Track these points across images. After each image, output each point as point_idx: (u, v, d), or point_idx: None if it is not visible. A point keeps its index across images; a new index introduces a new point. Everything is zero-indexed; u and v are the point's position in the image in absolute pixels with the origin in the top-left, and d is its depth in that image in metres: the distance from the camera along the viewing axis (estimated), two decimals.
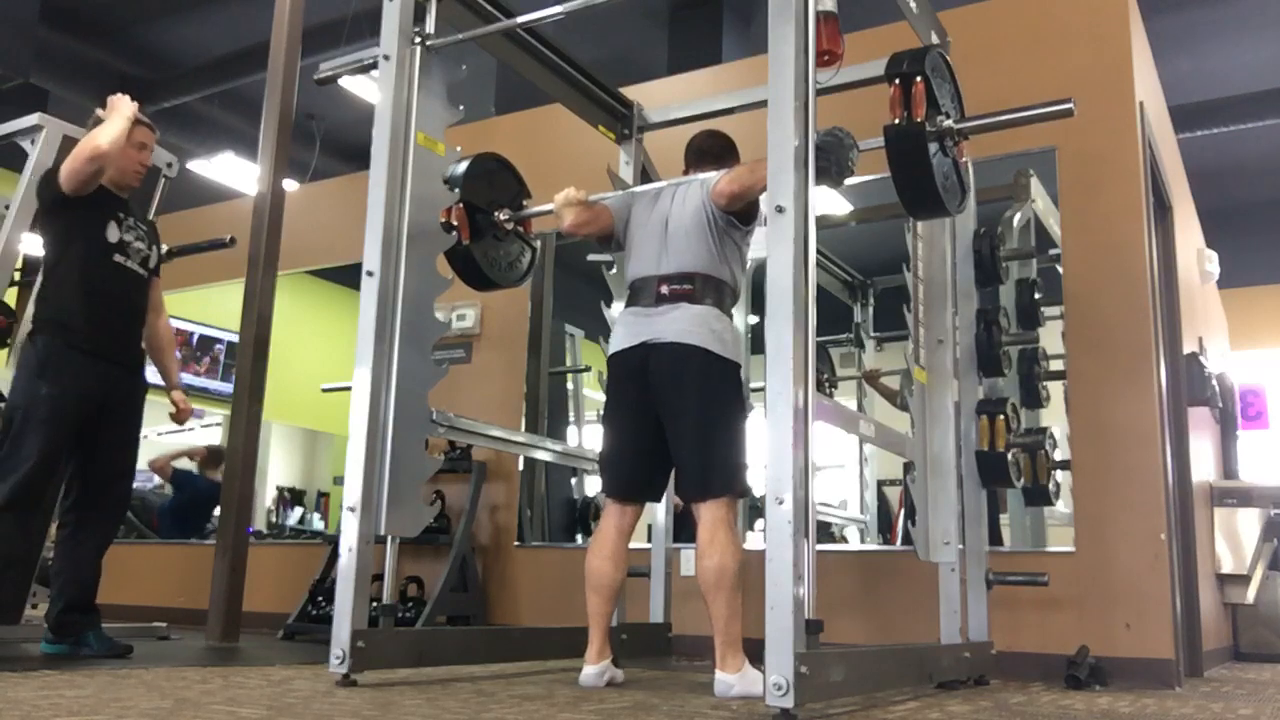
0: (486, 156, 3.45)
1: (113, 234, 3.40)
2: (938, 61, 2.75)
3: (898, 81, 2.62)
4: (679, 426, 2.85)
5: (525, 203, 3.56)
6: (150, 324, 3.61)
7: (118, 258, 3.41)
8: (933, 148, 2.65)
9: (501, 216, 3.41)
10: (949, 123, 2.74)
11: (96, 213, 3.38)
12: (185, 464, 6.89)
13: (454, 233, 3.22)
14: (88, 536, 3.35)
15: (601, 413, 3.13)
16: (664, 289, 2.93)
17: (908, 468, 3.21)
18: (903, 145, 2.62)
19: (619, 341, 2.99)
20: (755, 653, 2.23)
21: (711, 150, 3.21)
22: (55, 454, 3.21)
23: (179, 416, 3.65)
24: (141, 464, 6.87)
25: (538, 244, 3.68)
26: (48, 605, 3.35)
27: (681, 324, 2.87)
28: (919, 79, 2.60)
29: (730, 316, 2.98)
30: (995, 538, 3.86)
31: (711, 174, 3.02)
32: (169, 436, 7.70)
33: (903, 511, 4.86)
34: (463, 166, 3.31)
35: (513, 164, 3.55)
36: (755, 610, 2.15)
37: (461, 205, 3.27)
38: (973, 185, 3.59)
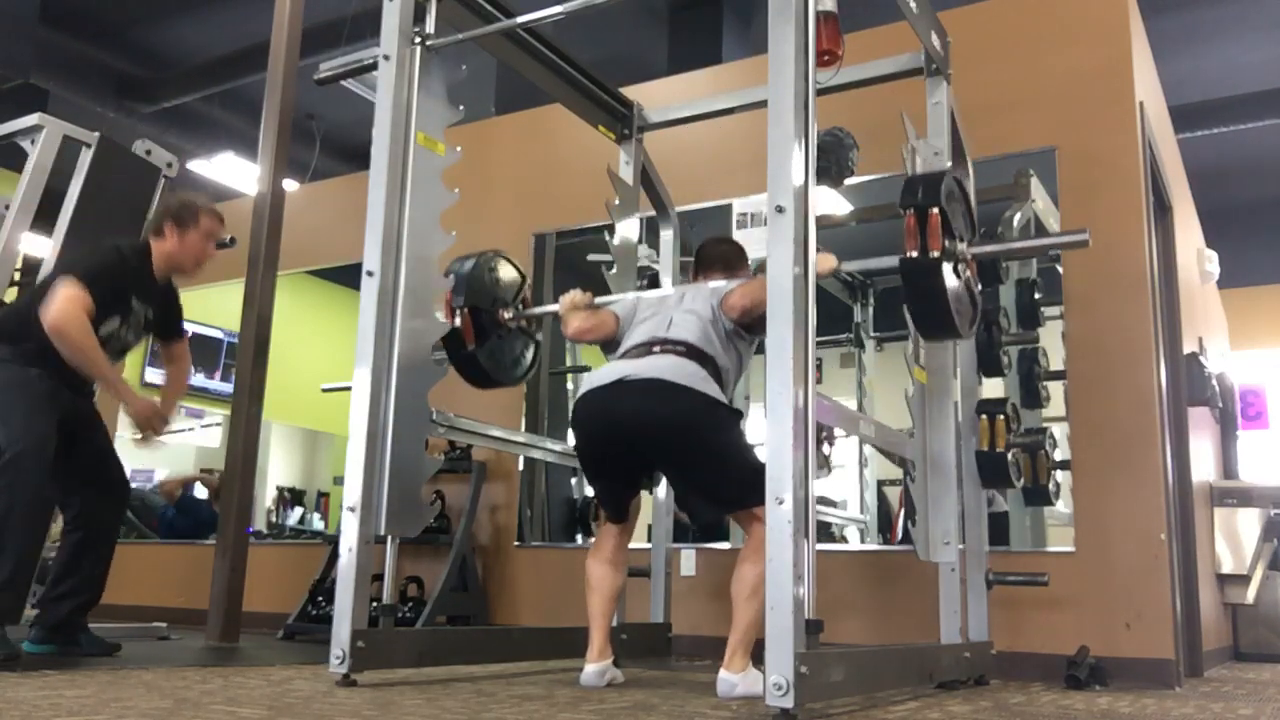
0: (490, 255, 3.45)
1: (108, 328, 3.25)
2: (953, 187, 2.76)
3: (912, 211, 2.63)
4: (684, 459, 2.81)
5: (526, 291, 3.56)
6: (169, 373, 3.68)
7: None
8: (946, 269, 2.66)
9: (506, 315, 3.42)
10: (963, 247, 2.75)
11: (106, 307, 3.22)
12: (197, 488, 6.87)
13: (452, 329, 3.25)
14: (101, 543, 3.37)
15: (575, 453, 3.05)
16: (655, 347, 2.89)
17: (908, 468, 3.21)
18: (918, 277, 2.65)
19: (591, 381, 2.93)
20: (755, 653, 2.23)
21: (722, 258, 3.24)
22: (46, 437, 3.10)
23: (146, 422, 3.39)
24: (143, 463, 6.90)
25: (540, 337, 3.68)
26: (45, 604, 3.34)
27: (665, 367, 2.81)
28: (935, 210, 2.60)
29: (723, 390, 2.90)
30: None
31: (721, 283, 3.04)
32: (168, 437, 7.71)
33: (903, 511, 4.85)
34: (468, 265, 3.32)
35: (513, 260, 3.55)
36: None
37: (466, 310, 3.28)
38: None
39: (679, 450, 2.81)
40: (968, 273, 2.83)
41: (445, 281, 3.11)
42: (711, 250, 3.31)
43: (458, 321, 3.27)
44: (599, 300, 3.26)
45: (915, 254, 2.61)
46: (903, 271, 2.66)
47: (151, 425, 3.38)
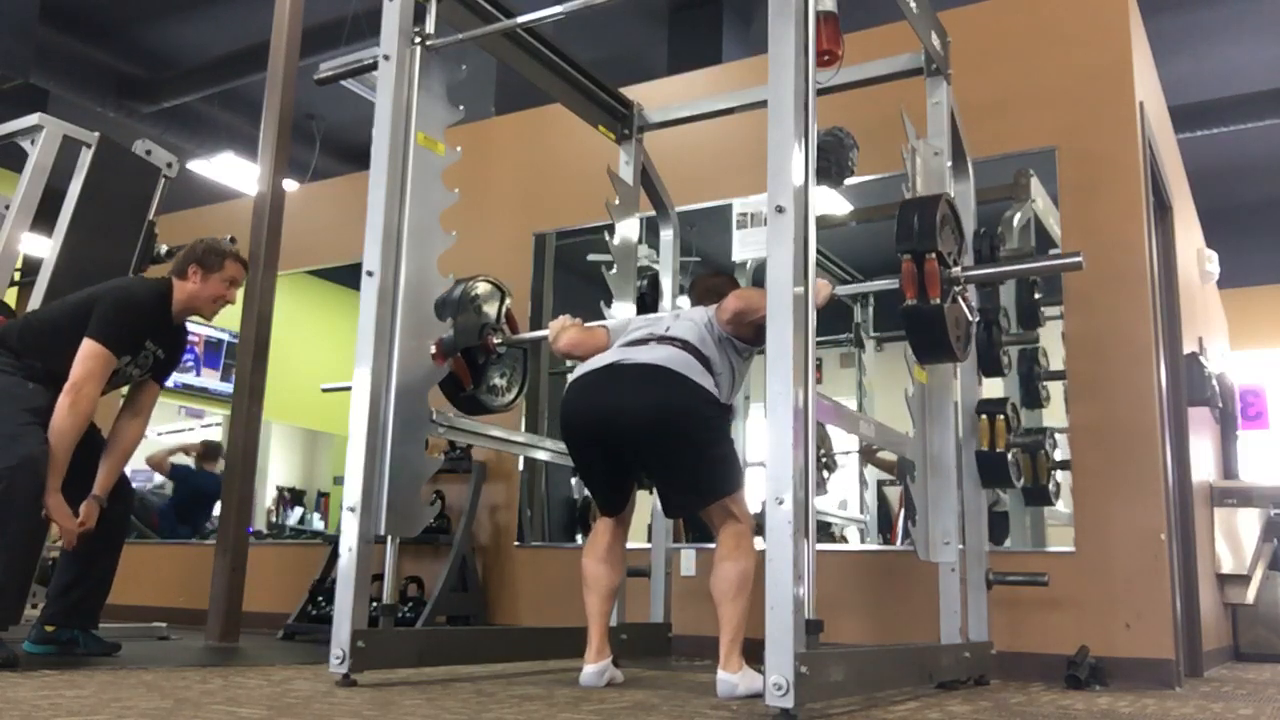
0: (469, 283, 3.43)
1: (117, 364, 3.23)
2: (946, 211, 2.78)
3: (909, 257, 2.65)
4: (670, 453, 2.82)
5: (509, 307, 3.55)
6: (122, 423, 3.42)
7: None
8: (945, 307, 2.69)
9: (495, 341, 3.43)
10: (956, 271, 2.78)
11: (120, 348, 3.21)
12: (181, 458, 6.89)
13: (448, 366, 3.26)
14: (113, 545, 3.39)
15: (564, 440, 3.02)
16: (651, 341, 2.91)
17: (908, 468, 3.21)
18: (919, 320, 2.69)
19: (583, 367, 2.95)
20: (755, 653, 2.23)
21: (715, 288, 3.23)
22: (42, 450, 3.05)
23: (66, 537, 3.18)
24: (140, 464, 6.91)
25: (527, 349, 3.68)
26: (54, 603, 3.34)
27: (662, 355, 2.83)
28: (931, 255, 2.62)
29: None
30: None
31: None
32: (168, 437, 7.73)
33: (903, 511, 4.85)
34: (455, 294, 3.28)
35: (490, 279, 3.52)
36: (756, 610, 2.15)
37: (460, 355, 3.29)
38: (974, 191, 3.60)
39: (666, 444, 2.81)
40: (962, 295, 2.84)
41: (445, 281, 3.10)
42: (704, 283, 3.33)
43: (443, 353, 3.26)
44: (589, 325, 3.25)
45: (915, 302, 2.64)
46: (904, 317, 2.69)
47: (68, 539, 3.18)
